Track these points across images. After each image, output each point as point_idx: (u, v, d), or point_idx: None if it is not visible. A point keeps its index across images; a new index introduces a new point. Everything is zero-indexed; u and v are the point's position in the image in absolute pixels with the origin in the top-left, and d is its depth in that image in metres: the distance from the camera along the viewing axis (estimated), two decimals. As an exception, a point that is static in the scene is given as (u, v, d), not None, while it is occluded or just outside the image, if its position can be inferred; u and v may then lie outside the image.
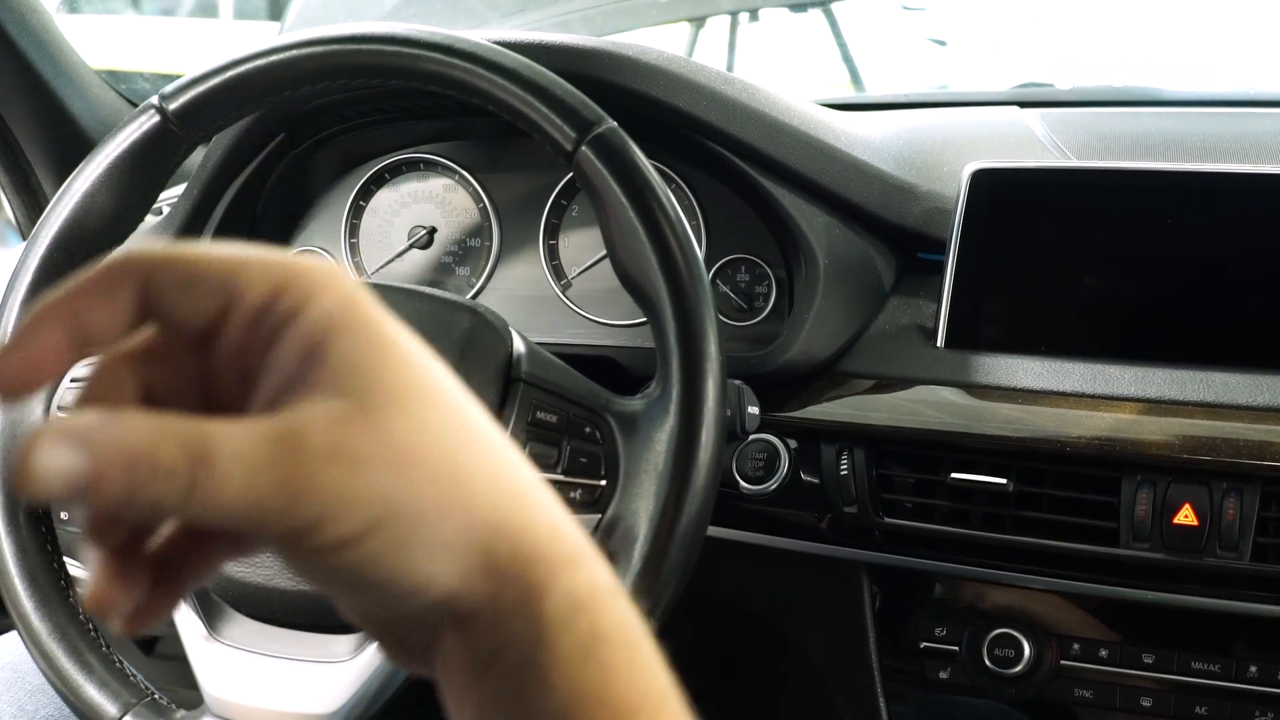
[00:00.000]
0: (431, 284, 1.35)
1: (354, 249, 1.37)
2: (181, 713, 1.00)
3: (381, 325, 0.42)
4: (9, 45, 1.41)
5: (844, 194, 1.19)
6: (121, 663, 1.01)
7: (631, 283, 0.96)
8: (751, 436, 1.15)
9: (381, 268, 1.36)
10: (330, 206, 1.38)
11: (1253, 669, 1.08)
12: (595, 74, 1.13)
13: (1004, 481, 1.09)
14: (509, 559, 0.43)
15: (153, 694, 1.00)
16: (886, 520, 1.14)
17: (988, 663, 1.15)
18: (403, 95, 1.23)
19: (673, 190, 1.20)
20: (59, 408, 1.04)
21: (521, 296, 1.32)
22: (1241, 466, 1.03)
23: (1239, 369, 1.07)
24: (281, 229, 1.37)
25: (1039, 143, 1.27)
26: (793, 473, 1.16)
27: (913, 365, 1.16)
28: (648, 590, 0.91)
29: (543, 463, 0.97)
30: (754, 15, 2.68)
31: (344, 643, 1.00)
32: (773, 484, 1.16)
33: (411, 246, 1.35)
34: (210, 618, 1.04)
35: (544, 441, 0.97)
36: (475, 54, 0.96)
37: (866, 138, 1.25)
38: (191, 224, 1.25)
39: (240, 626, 1.03)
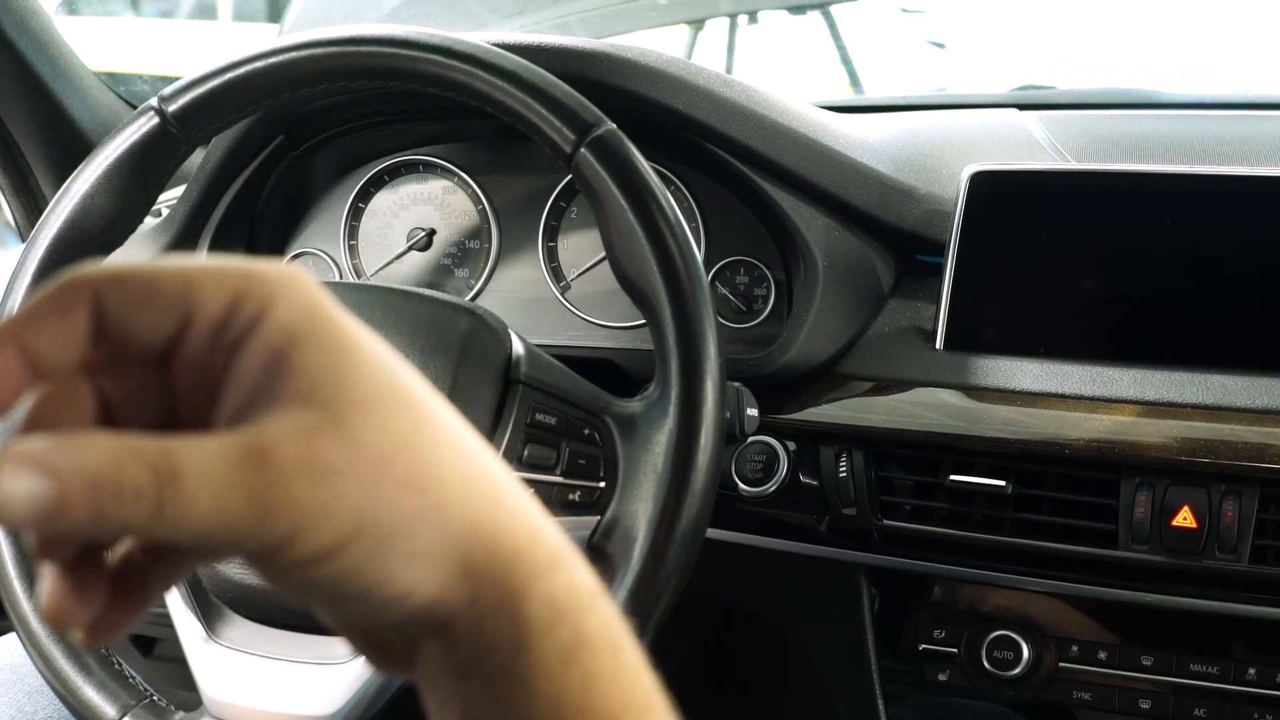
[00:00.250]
0: (430, 286, 1.35)
1: (353, 251, 1.37)
2: (180, 714, 1.00)
3: (345, 330, 0.41)
4: (8, 47, 1.41)
5: (843, 196, 1.19)
6: (120, 664, 1.01)
7: (630, 285, 0.96)
8: (750, 438, 1.15)
9: (380, 269, 1.36)
10: (329, 208, 1.38)
11: (1251, 671, 1.08)
12: (594, 76, 1.13)
13: (1003, 484, 1.09)
14: (487, 564, 0.42)
15: (151, 695, 1.00)
16: (885, 522, 1.14)
17: (986, 665, 1.15)
18: (402, 97, 1.23)
19: (672, 192, 1.20)
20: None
21: (520, 298, 1.32)
22: (1240, 469, 1.03)
23: (1238, 371, 1.07)
24: (280, 231, 1.37)
25: (1038, 145, 1.27)
26: (791, 475, 1.16)
27: (911, 367, 1.16)
28: (646, 592, 0.91)
29: (542, 464, 0.97)
30: (753, 17, 2.68)
31: (342, 645, 1.00)
32: (771, 486, 1.16)
33: (411, 248, 1.35)
34: (209, 619, 1.04)
35: (543, 443, 0.97)
36: (474, 56, 0.96)
37: (865, 140, 1.25)
38: (190, 226, 1.25)
39: (239, 628, 1.03)
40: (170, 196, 1.32)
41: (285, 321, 0.40)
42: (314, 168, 1.35)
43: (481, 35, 1.02)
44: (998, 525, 1.11)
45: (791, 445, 1.17)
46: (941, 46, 2.59)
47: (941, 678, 1.18)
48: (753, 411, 1.05)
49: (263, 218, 1.32)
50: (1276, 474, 1.03)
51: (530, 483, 0.94)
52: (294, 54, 1.00)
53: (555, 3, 2.62)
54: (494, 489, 0.43)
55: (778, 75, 2.61)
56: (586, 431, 0.98)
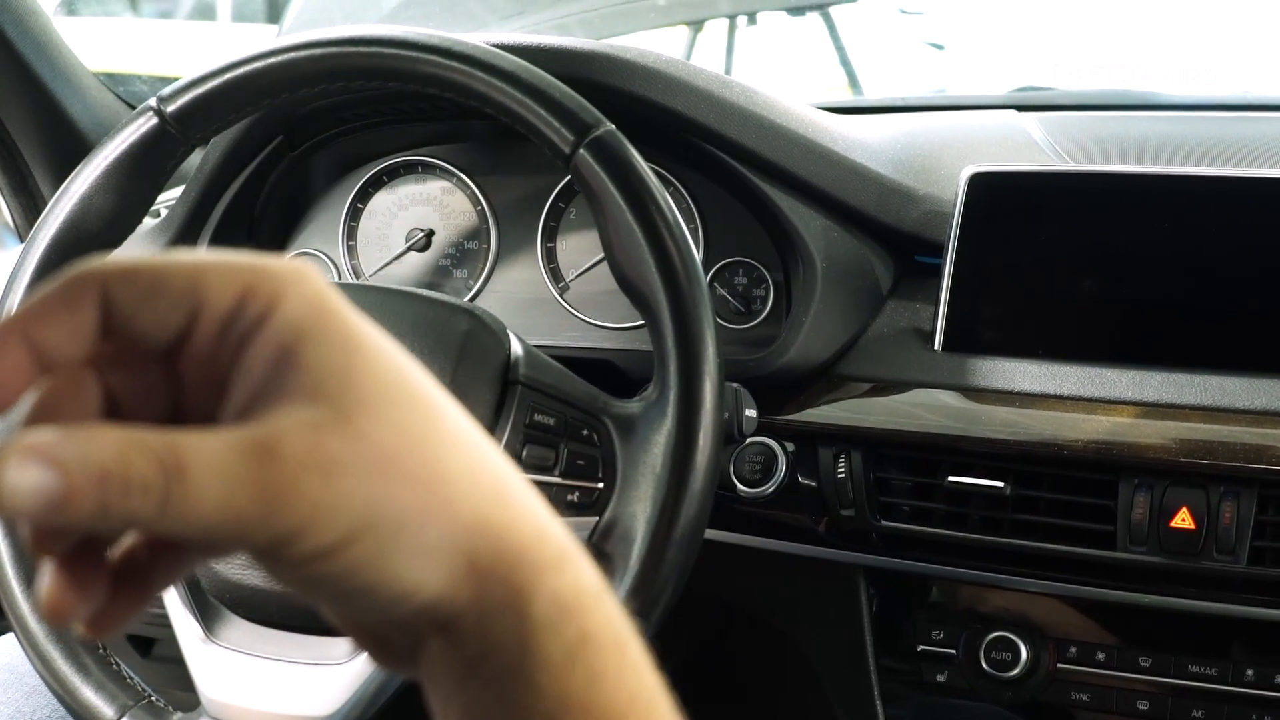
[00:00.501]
0: (429, 286, 1.35)
1: (352, 251, 1.37)
2: (178, 715, 1.00)
3: (353, 326, 0.41)
4: (7, 47, 1.41)
5: (842, 197, 1.19)
6: (118, 665, 1.01)
7: (629, 286, 0.96)
8: (749, 439, 1.15)
9: (379, 270, 1.36)
10: (328, 209, 1.38)
11: (1249, 672, 1.08)
12: (593, 77, 1.13)
13: (1001, 485, 1.09)
14: (493, 562, 0.42)
15: (149, 696, 1.00)
16: (884, 523, 1.14)
17: (985, 666, 1.15)
18: (401, 98, 1.23)
19: (670, 193, 1.20)
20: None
21: (519, 299, 1.32)
22: (1238, 470, 1.03)
23: (1236, 372, 1.07)
24: (279, 231, 1.37)
25: (1036, 146, 1.28)
26: (790, 476, 1.16)
27: (910, 368, 1.16)
28: (645, 593, 0.91)
29: (540, 465, 0.97)
30: (752, 19, 2.68)
31: (341, 645, 1.00)
32: (770, 487, 1.16)
33: (409, 249, 1.35)
34: (207, 620, 1.04)
35: (542, 444, 0.97)
36: (473, 57, 0.97)
37: (864, 141, 1.25)
38: (189, 226, 1.25)
39: (237, 629, 1.03)
40: (169, 197, 1.32)
41: (293, 317, 0.40)
42: (313, 168, 1.35)
43: (480, 36, 1.02)
44: (996, 526, 1.11)
45: (790, 446, 1.17)
46: (940, 48, 2.59)
47: (940, 678, 1.18)
48: (751, 412, 1.05)
49: (262, 218, 1.32)
50: (1275, 475, 1.03)
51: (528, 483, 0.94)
52: (293, 54, 1.00)
53: (554, 3, 2.62)
54: (501, 487, 0.43)
55: (777, 76, 2.61)
56: (585, 432, 0.98)
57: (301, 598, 0.42)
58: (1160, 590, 1.08)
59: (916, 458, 1.14)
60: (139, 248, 1.22)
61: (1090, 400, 1.09)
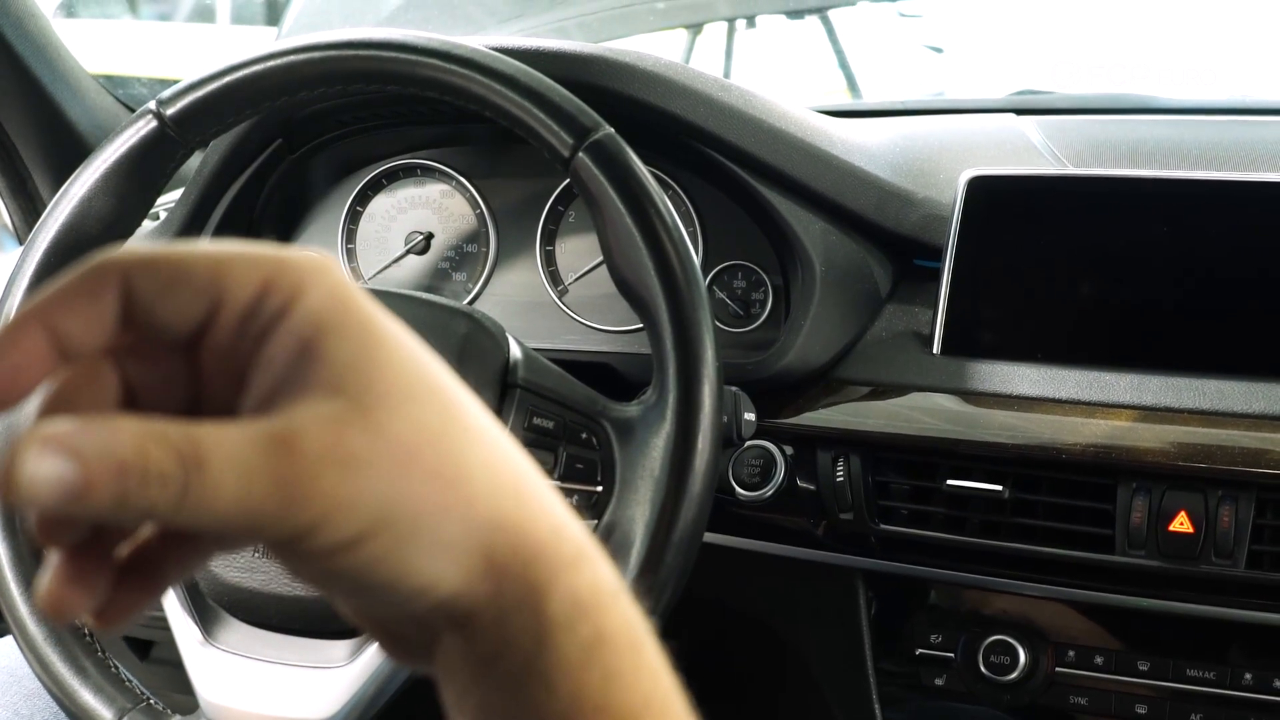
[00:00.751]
0: (428, 289, 1.35)
1: (351, 254, 1.37)
2: (177, 718, 1.00)
3: (375, 320, 0.41)
4: (6, 50, 1.41)
5: (840, 201, 1.19)
6: (117, 667, 1.01)
7: (628, 289, 0.96)
8: (747, 443, 1.15)
9: (378, 273, 1.36)
10: (327, 212, 1.38)
11: (1248, 676, 1.08)
12: (592, 80, 1.13)
13: (1000, 488, 1.09)
14: (510, 559, 0.42)
15: (148, 699, 1.00)
16: (882, 527, 1.14)
17: (983, 669, 1.15)
18: (400, 101, 1.23)
19: (669, 197, 1.20)
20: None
21: (518, 302, 1.32)
22: (1237, 474, 1.03)
23: (1234, 376, 1.07)
24: (279, 234, 1.37)
25: (1035, 150, 1.28)
26: (789, 479, 1.16)
27: (909, 372, 1.16)
28: (644, 596, 0.90)
29: (539, 469, 0.96)
30: (751, 22, 2.68)
31: (340, 648, 1.00)
32: (769, 490, 1.16)
33: (408, 252, 1.35)
34: (206, 622, 1.04)
35: (540, 447, 0.97)
36: (472, 60, 0.97)
37: (863, 144, 1.25)
38: (188, 229, 1.25)
39: (236, 631, 1.03)
40: (168, 199, 1.32)
41: (315, 310, 0.40)
42: (312, 171, 1.35)
43: (479, 39, 1.02)
44: (995, 530, 1.11)
45: (789, 450, 1.17)
46: (939, 51, 2.58)
47: (938, 682, 1.18)
48: (750, 416, 1.05)
49: (261, 221, 1.32)
50: (1273, 479, 1.03)
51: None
52: (292, 58, 1.00)
53: (553, 6, 2.62)
54: (519, 484, 0.44)
55: (775, 80, 2.61)
56: (584, 435, 0.98)
57: (318, 591, 0.42)
58: (1159, 594, 1.08)
59: (915, 461, 1.14)
60: (148, 244, 1.22)
61: (1089, 404, 1.09)
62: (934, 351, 1.16)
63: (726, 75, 1.54)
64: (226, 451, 0.37)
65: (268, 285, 0.40)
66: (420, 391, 0.41)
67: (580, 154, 0.95)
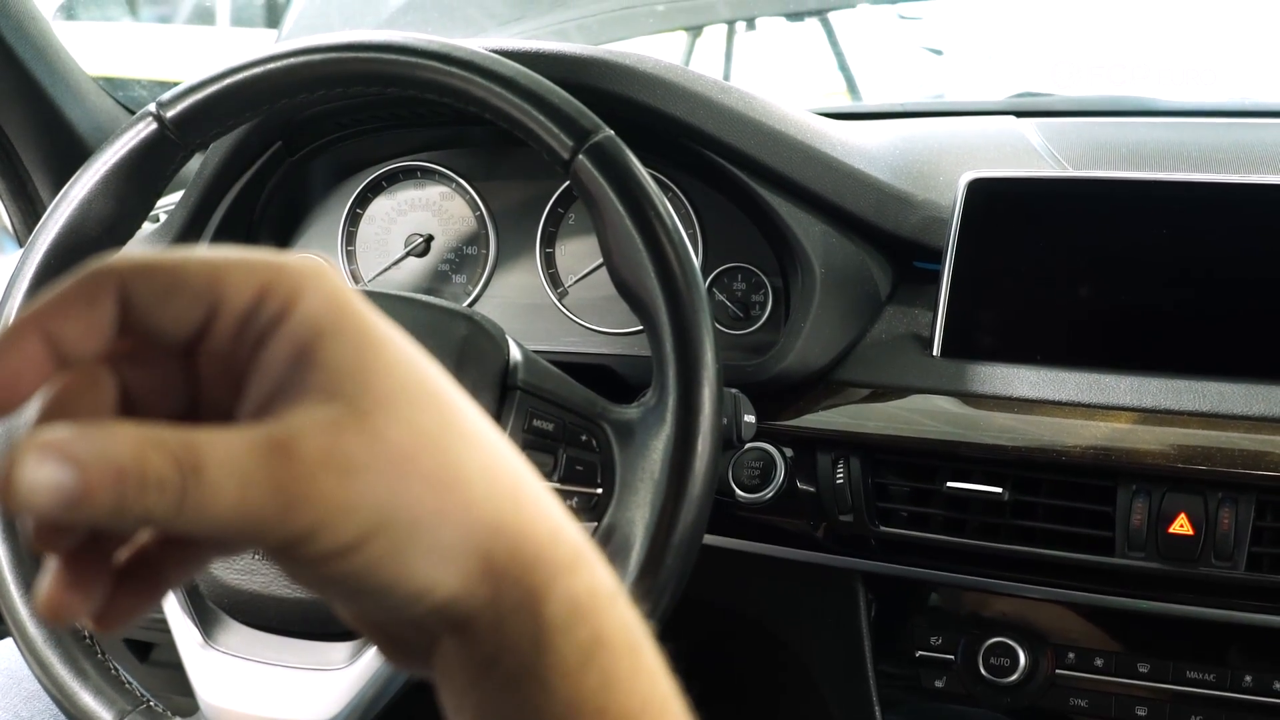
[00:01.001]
0: (428, 292, 1.35)
1: (350, 256, 1.37)
2: (177, 720, 1.00)
3: (372, 325, 0.41)
4: (6, 52, 1.41)
5: (840, 203, 1.20)
6: (117, 670, 1.01)
7: (628, 291, 0.96)
8: (747, 445, 1.15)
9: (378, 275, 1.36)
10: (327, 214, 1.38)
11: (1248, 678, 1.08)
12: (592, 82, 1.13)
13: (999, 490, 1.09)
14: (508, 562, 0.42)
15: (148, 701, 1.00)
16: (882, 529, 1.14)
17: (983, 672, 1.15)
18: (400, 103, 1.23)
19: (669, 199, 1.21)
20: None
21: (518, 304, 1.32)
22: (1237, 476, 1.03)
23: (1234, 379, 1.07)
24: (278, 236, 1.37)
25: (1035, 152, 1.28)
26: (788, 481, 1.16)
27: (908, 374, 1.16)
28: (643, 598, 0.91)
29: (539, 471, 0.96)
30: (751, 24, 2.68)
31: (339, 650, 1.00)
32: (769, 493, 1.16)
33: (408, 254, 1.35)
34: (206, 625, 1.04)
35: (540, 449, 0.97)
36: (472, 62, 0.97)
37: (863, 147, 1.25)
38: (188, 231, 1.25)
39: (236, 634, 1.03)
40: (168, 202, 1.32)
41: (312, 315, 0.40)
42: (312, 173, 1.35)
43: (479, 41, 1.02)
44: (994, 532, 1.11)
45: (788, 452, 1.17)
46: (939, 53, 2.58)
47: (938, 684, 1.18)
48: (750, 418, 1.05)
49: (261, 223, 1.33)
50: (1273, 481, 1.03)
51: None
52: (292, 60, 1.00)
53: (553, 9, 2.62)
54: (517, 487, 0.44)
55: (775, 82, 2.61)
56: (584, 438, 0.98)
57: (316, 595, 0.42)
58: (1158, 596, 1.08)
59: (915, 463, 1.14)
60: (145, 249, 1.22)
61: (1089, 406, 1.09)
62: (934, 354, 1.16)
63: (726, 78, 1.54)
64: (224, 457, 0.37)
65: (264, 290, 0.40)
66: (417, 396, 0.41)
67: (580, 156, 0.95)
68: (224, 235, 1.27)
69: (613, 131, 0.96)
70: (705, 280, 1.22)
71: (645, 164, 0.96)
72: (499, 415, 0.97)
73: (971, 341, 1.15)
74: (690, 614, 0.99)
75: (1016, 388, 1.12)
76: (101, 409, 0.41)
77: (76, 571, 0.40)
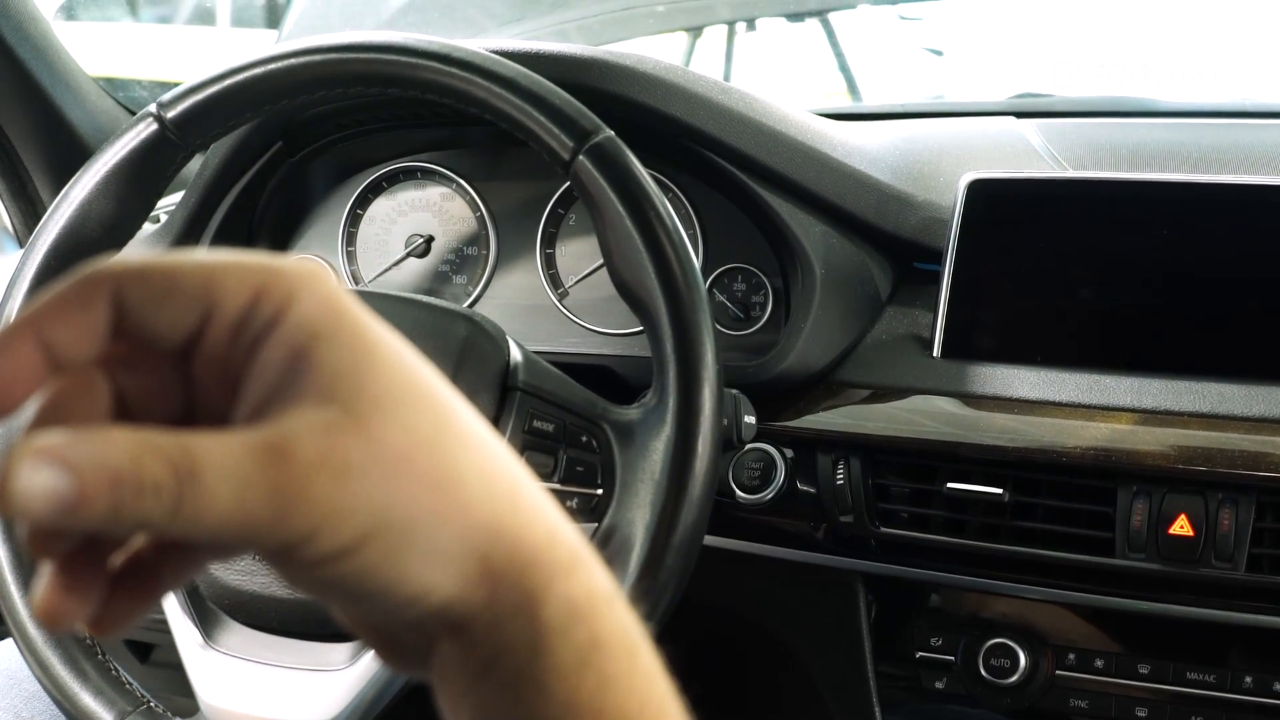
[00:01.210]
0: (429, 292, 1.35)
1: (351, 257, 1.37)
2: (177, 720, 1.00)
3: (367, 328, 0.41)
4: (6, 52, 1.41)
5: (841, 204, 1.20)
6: (117, 670, 1.01)
7: (628, 292, 0.96)
8: (748, 446, 1.15)
9: (379, 276, 1.36)
10: (327, 215, 1.38)
11: (1248, 679, 1.08)
12: (592, 83, 1.13)
13: (1000, 491, 1.09)
14: (505, 565, 0.42)
15: (148, 702, 1.00)
16: (882, 530, 1.14)
17: (983, 672, 1.15)
18: (400, 104, 1.23)
19: (670, 199, 1.20)
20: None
21: (518, 305, 1.32)
22: (1237, 477, 1.03)
23: (1235, 380, 1.07)
24: (279, 237, 1.37)
25: (1035, 153, 1.28)
26: (789, 482, 1.16)
27: (909, 375, 1.16)
28: (644, 599, 0.91)
29: (539, 471, 0.97)
30: (751, 25, 2.68)
31: (340, 651, 1.00)
32: (769, 493, 1.16)
33: (409, 255, 1.35)
34: (206, 626, 1.04)
35: (540, 450, 0.97)
36: (472, 63, 0.97)
37: (863, 147, 1.25)
38: (188, 232, 1.25)
39: (236, 634, 1.03)
40: (169, 202, 1.32)
41: (306, 318, 0.40)
42: (312, 174, 1.35)
43: (480, 42, 1.02)
44: (995, 533, 1.11)
45: (789, 452, 1.17)
46: (939, 54, 2.58)
47: (938, 685, 1.18)
48: (750, 419, 1.05)
49: (261, 224, 1.33)
50: (1273, 482, 1.03)
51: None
52: (292, 60, 1.00)
53: (553, 9, 2.63)
54: (514, 490, 0.43)
55: (776, 82, 2.61)
56: (584, 438, 0.98)
57: (314, 599, 0.42)
58: (1159, 597, 1.08)
59: (915, 464, 1.14)
60: (139, 253, 1.22)
61: (1089, 407, 1.09)
62: (934, 354, 1.16)
63: (727, 78, 1.54)
64: (220, 461, 0.37)
65: (259, 294, 0.40)
66: (413, 398, 0.41)
67: (580, 157, 0.95)
68: (224, 236, 1.27)
69: (613, 132, 0.96)
70: (705, 281, 1.22)
71: (645, 164, 0.96)
72: (499, 416, 0.97)
73: (972, 342, 1.15)
74: (690, 614, 0.99)
75: (1017, 389, 1.12)
76: (96, 413, 0.41)
77: (71, 576, 0.40)
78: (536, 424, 0.97)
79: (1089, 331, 1.14)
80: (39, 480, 0.35)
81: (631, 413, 0.98)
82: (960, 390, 1.13)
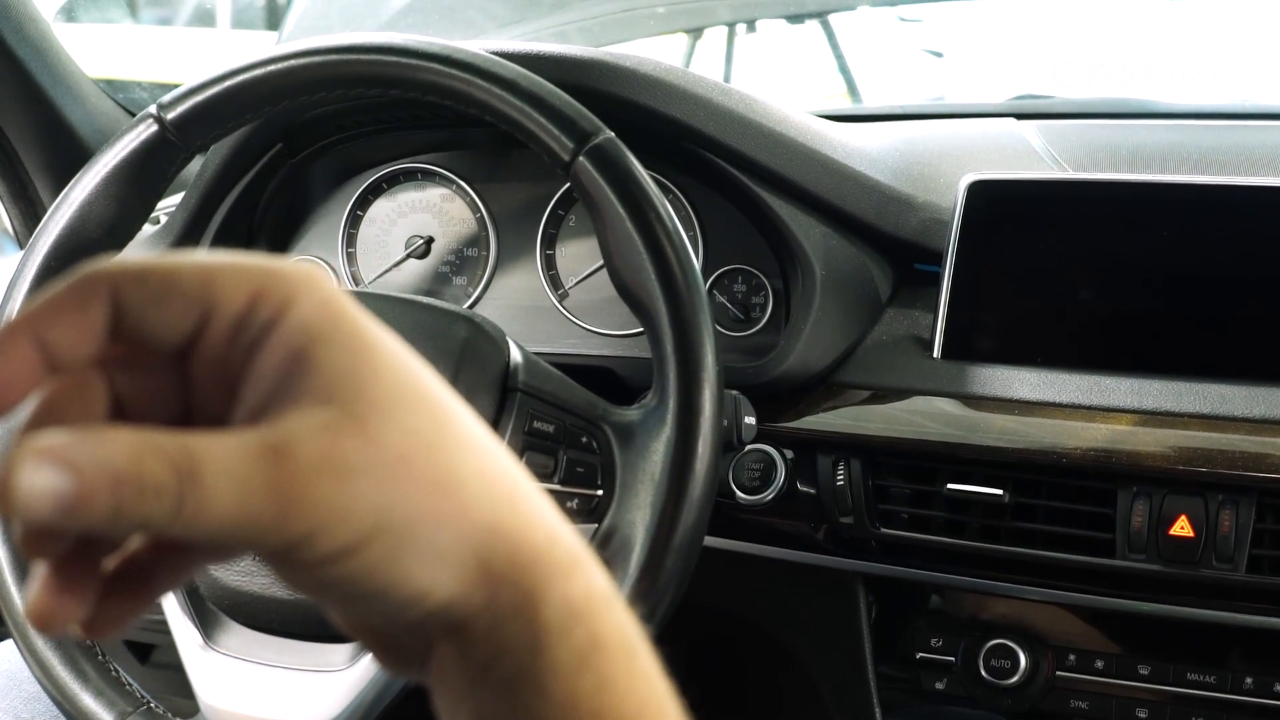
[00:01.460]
0: (429, 294, 1.35)
1: (351, 258, 1.37)
2: (176, 721, 1.00)
3: (365, 330, 0.41)
4: (7, 54, 1.42)
5: (841, 205, 1.20)
6: (117, 671, 1.01)
7: (628, 293, 0.96)
8: (748, 447, 1.15)
9: (379, 277, 1.37)
10: (328, 216, 1.38)
11: (1248, 680, 1.08)
12: (592, 85, 1.13)
13: (1000, 492, 1.09)
14: (505, 566, 0.42)
15: (148, 702, 1.00)
16: (883, 531, 1.14)
17: (983, 673, 1.15)
18: (400, 105, 1.23)
19: (670, 201, 1.20)
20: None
21: (518, 306, 1.32)
22: (1237, 478, 1.03)
23: (1235, 381, 1.07)
24: (279, 238, 1.37)
25: (1035, 154, 1.28)
26: (789, 483, 1.16)
27: (909, 376, 1.16)
28: (644, 600, 0.91)
29: (539, 472, 0.97)
30: (751, 26, 2.68)
31: (340, 652, 1.00)
32: (769, 494, 1.16)
33: (409, 256, 1.35)
34: (206, 626, 1.04)
35: (541, 451, 0.97)
36: (473, 64, 0.97)
37: (863, 149, 1.25)
38: (189, 233, 1.25)
39: (236, 635, 1.03)
40: (169, 204, 1.32)
41: (305, 320, 0.40)
42: (312, 175, 1.35)
43: (480, 43, 1.02)
44: (995, 534, 1.11)
45: (789, 453, 1.17)
46: (939, 55, 2.58)
47: (938, 686, 1.18)
48: (750, 420, 1.05)
49: (261, 225, 1.33)
50: (1273, 483, 1.03)
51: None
52: (293, 62, 1.00)
53: (554, 11, 2.63)
54: (513, 491, 0.44)
55: (776, 84, 2.61)
56: (584, 439, 0.98)
57: (312, 601, 0.42)
58: (1159, 598, 1.08)
59: (915, 465, 1.14)
60: (138, 254, 1.22)
61: (1089, 408, 1.09)
62: (934, 356, 1.16)
63: (727, 80, 1.54)
64: (221, 461, 0.37)
65: (257, 296, 0.40)
66: (412, 399, 0.41)
67: (580, 158, 0.95)
68: (224, 237, 1.27)
69: (613, 133, 0.96)
70: (706, 282, 1.22)
71: (646, 166, 0.96)
72: (499, 417, 0.97)
73: (972, 344, 1.15)
74: (691, 615, 0.99)
75: (1017, 390, 1.12)
76: (93, 414, 0.41)
77: (66, 578, 0.40)
78: (536, 425, 0.97)
79: (1089, 333, 1.14)
80: (40, 480, 0.35)
81: (631, 414, 0.98)
82: (960, 391, 1.13)
